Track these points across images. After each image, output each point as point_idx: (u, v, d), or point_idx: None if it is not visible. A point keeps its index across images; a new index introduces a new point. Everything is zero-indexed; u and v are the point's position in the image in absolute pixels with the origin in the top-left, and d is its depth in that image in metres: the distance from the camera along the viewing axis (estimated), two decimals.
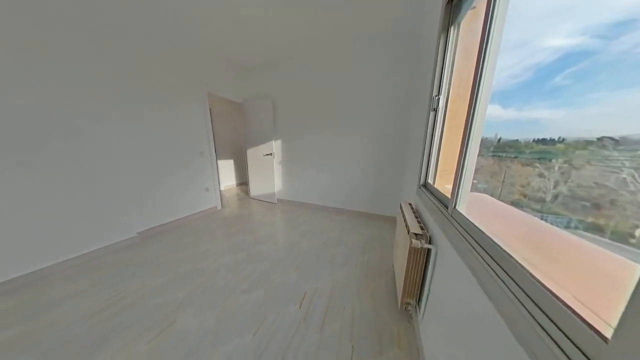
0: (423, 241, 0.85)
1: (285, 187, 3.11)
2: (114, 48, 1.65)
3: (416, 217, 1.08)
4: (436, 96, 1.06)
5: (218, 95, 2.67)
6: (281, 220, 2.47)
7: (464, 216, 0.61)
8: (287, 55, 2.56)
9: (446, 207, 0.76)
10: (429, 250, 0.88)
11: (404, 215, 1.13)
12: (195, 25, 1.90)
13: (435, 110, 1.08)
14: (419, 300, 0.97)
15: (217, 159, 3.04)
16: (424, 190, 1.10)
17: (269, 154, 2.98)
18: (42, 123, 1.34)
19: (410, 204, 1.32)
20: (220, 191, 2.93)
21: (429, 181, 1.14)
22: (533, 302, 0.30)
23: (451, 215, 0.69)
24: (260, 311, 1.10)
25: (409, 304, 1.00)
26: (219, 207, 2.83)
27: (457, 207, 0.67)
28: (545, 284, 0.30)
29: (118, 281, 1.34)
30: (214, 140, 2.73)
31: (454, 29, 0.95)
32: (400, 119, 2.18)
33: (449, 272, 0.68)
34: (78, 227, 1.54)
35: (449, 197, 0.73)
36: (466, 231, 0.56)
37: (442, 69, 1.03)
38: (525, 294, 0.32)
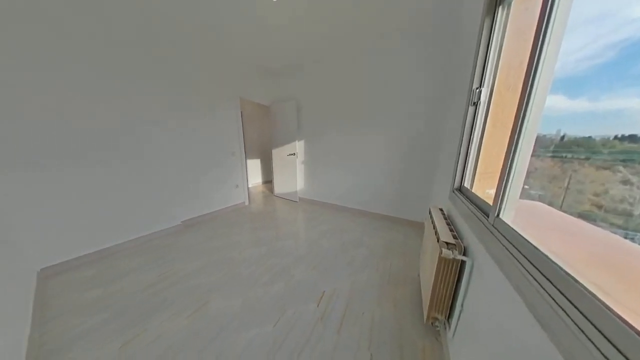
0: (456, 252, 0.76)
1: (307, 187, 3.18)
2: (167, 65, 1.94)
3: (448, 225, 0.97)
4: (477, 88, 0.93)
5: (248, 99, 2.89)
6: (302, 219, 2.53)
7: (509, 227, 0.52)
8: (311, 58, 2.60)
9: (486, 215, 0.66)
10: (462, 262, 0.78)
11: (433, 222, 1.03)
12: (229, 37, 2.09)
13: (476, 104, 0.95)
14: (449, 316, 0.87)
15: (246, 159, 3.29)
16: (459, 194, 0.99)
17: (292, 154, 3.09)
18: (115, 128, 1.66)
19: (441, 210, 1.20)
20: (248, 188, 3.17)
21: (465, 185, 1.01)
22: (609, 341, 0.24)
23: (493, 225, 0.60)
24: (280, 304, 1.15)
25: (436, 319, 0.91)
26: (247, 203, 3.06)
27: (500, 216, 0.58)
28: (629, 321, 0.23)
29: (165, 262, 1.57)
30: (243, 141, 2.97)
31: (502, 10, 0.82)
32: (432, 116, 1.99)
33: (488, 290, 0.59)
34: (137, 213, 1.86)
35: (491, 203, 0.64)
36: (513, 245, 0.48)
37: (485, 56, 0.90)
38: (597, 329, 0.25)
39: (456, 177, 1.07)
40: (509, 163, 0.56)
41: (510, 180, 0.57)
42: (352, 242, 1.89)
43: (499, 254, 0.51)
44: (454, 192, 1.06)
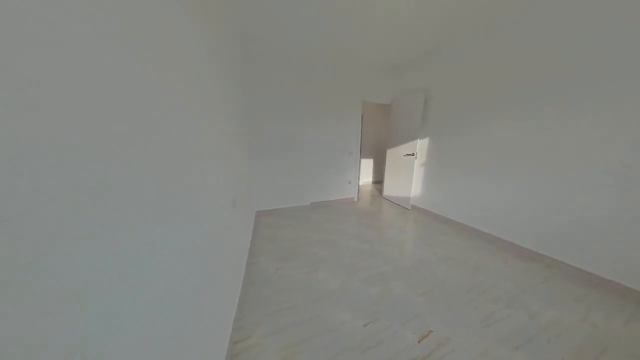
0: None
1: (425, 194, 2.64)
2: (313, 88, 2.68)
3: None
4: None
5: (370, 101, 3.03)
6: (412, 230, 2.18)
7: None
8: (450, 35, 1.99)
9: None
10: None
11: None
12: (360, 44, 2.29)
13: None
14: None
15: (360, 158, 3.53)
16: None
17: (410, 154, 2.72)
18: (284, 135, 2.66)
19: None
20: (358, 185, 3.40)
21: None
22: None
23: None
24: (374, 309, 1.12)
25: None
26: (356, 199, 3.30)
27: None
28: None
29: (301, 228, 2.26)
30: (360, 141, 3.19)
31: None
32: None
33: None
34: (291, 191, 2.86)
35: None
36: None
37: None
38: None
39: None
40: None
41: None
42: (497, 293, 1.25)
43: None
44: None
